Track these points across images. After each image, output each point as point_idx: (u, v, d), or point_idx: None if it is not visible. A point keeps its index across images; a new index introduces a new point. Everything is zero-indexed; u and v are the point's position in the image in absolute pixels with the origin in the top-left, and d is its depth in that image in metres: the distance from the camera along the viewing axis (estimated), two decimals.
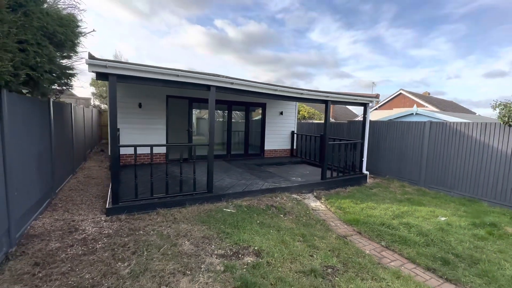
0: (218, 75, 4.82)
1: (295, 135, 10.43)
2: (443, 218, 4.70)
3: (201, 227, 3.89)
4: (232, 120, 9.63)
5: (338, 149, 7.07)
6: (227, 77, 4.90)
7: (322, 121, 13.29)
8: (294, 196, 5.84)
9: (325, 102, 6.47)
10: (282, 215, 4.63)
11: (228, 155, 9.22)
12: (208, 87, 4.87)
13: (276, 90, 5.47)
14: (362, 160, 7.43)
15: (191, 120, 8.41)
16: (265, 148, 9.91)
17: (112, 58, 9.16)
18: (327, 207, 5.35)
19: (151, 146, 4.64)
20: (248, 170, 7.45)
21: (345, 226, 4.45)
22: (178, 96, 8.02)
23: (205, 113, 9.45)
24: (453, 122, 6.35)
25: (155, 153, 7.86)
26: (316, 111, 17.31)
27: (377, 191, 6.58)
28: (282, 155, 10.34)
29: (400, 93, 21.16)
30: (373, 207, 5.21)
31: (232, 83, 4.96)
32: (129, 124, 7.36)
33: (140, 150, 7.34)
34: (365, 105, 7.30)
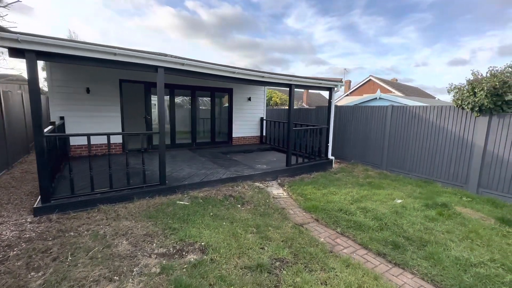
0: (166, 55, 4.32)
1: (264, 122, 10.18)
2: (399, 201, 4.77)
3: (146, 223, 3.53)
4: (197, 107, 9.10)
5: (303, 134, 6.93)
6: (177, 57, 4.41)
7: (294, 107, 13.32)
8: (257, 184, 5.63)
9: (289, 86, 6.21)
10: (239, 205, 4.40)
11: (193, 144, 8.76)
12: (155, 68, 4.36)
13: (234, 72, 5.09)
14: (328, 146, 7.40)
15: (149, 106, 7.77)
16: (233, 136, 9.57)
17: None
18: (289, 194, 5.21)
19: (88, 136, 4.11)
20: (212, 158, 7.10)
21: (304, 213, 4.33)
22: (133, 80, 7.32)
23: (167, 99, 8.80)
24: (413, 106, 6.44)
25: (110, 143, 7.18)
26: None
27: (341, 176, 6.59)
28: (251, 142, 10.09)
29: (370, 80, 21.67)
30: (334, 193, 5.16)
31: (183, 64, 4.49)
32: (76, 112, 6.60)
33: (93, 140, 6.64)
34: (330, 90, 7.17)
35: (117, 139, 7.29)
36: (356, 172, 7.02)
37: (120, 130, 7.28)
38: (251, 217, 3.94)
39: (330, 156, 7.47)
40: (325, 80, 6.69)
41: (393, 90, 19.96)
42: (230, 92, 9.33)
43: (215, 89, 8.95)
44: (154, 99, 8.23)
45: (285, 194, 5.26)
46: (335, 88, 7.15)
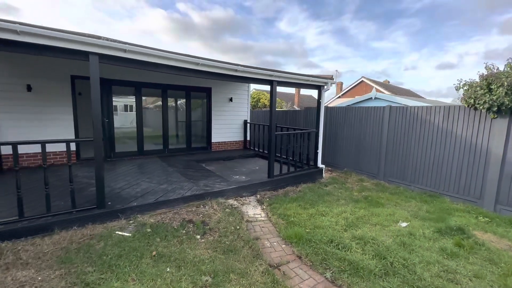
0: (100, 37, 3.26)
1: (248, 125, 9.17)
2: (404, 224, 3.81)
3: (52, 273, 2.44)
4: (170, 108, 8.02)
5: (288, 140, 5.94)
6: (116, 41, 3.36)
7: (283, 109, 12.27)
8: (230, 202, 4.59)
9: (270, 82, 5.22)
10: (199, 236, 3.34)
11: (165, 151, 7.66)
12: (85, 54, 3.29)
13: (197, 64, 4.06)
14: (317, 152, 6.43)
15: (110, 108, 6.65)
16: (212, 141, 8.51)
17: None
18: (267, 216, 4.18)
19: (14, 144, 3.02)
20: (182, 168, 6.01)
21: (284, 245, 3.30)
22: (87, 76, 6.17)
23: (128, 99, 7.68)
24: (414, 107, 5.54)
25: (59, 151, 6.03)
26: (278, 99, 16.25)
27: (332, 188, 5.62)
28: (233, 147, 9.04)
29: (362, 81, 21.01)
30: (323, 213, 4.16)
31: (125, 50, 3.44)
32: (12, 114, 5.42)
33: (33, 149, 5.48)
34: (319, 88, 6.23)
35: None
36: (350, 183, 6.06)
37: (73, 136, 6.13)
38: (210, 256, 2.89)
39: (319, 165, 6.50)
40: (313, 77, 5.73)
41: (386, 92, 19.30)
42: (208, 91, 8.29)
43: (190, 88, 7.89)
44: (117, 100, 7.12)
45: (263, 215, 4.22)
46: (325, 87, 6.21)
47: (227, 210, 4.19)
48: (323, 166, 6.56)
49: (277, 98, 17.22)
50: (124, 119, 7.40)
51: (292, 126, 8.72)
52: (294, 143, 6.05)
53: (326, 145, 7.54)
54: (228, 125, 8.81)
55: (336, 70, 36.52)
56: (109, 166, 6.00)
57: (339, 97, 22.68)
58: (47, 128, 5.80)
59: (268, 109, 14.33)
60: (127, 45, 3.39)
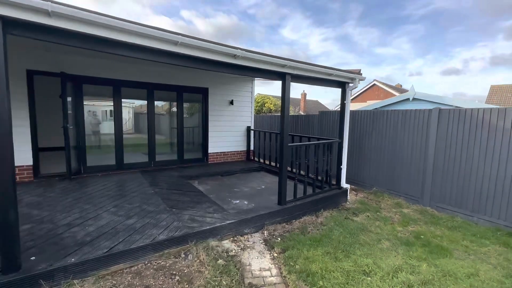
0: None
1: (252, 132, 7.80)
2: None
3: None
4: (160, 112, 6.72)
5: (305, 152, 4.53)
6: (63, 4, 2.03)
7: (292, 114, 10.77)
8: (226, 245, 3.18)
9: (282, 76, 3.85)
10: None
11: (151, 163, 6.29)
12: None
13: (176, 43, 2.69)
14: (341, 168, 5.00)
15: (80, 111, 5.33)
16: (209, 151, 7.14)
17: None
18: (280, 273, 2.74)
19: None
20: (166, 189, 4.63)
21: None
22: (50, 72, 4.90)
23: (105, 101, 6.36)
24: (478, 109, 4.10)
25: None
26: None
27: (365, 219, 4.17)
28: (234, 159, 7.65)
29: (374, 84, 19.60)
30: (367, 270, 2.72)
31: (49, 14, 2.09)
32: None
33: None
34: (343, 86, 4.84)
35: (23, 160, 4.80)
36: (386, 210, 4.60)
37: (29, 145, 4.82)
38: None
39: (343, 184, 5.05)
40: (337, 70, 4.35)
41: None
42: (204, 92, 6.96)
43: (183, 88, 6.57)
44: (90, 103, 5.81)
45: (274, 272, 2.79)
46: (350, 84, 4.83)
47: (219, 262, 2.78)
48: (348, 186, 5.12)
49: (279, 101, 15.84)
50: (98, 126, 6.08)
51: (305, 134, 7.33)
52: (312, 157, 4.64)
53: (348, 157, 6.10)
54: (228, 132, 7.45)
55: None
56: (72, 185, 4.64)
57: None
58: None
59: (275, 114, 12.90)
60: (53, 4, 2.05)
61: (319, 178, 4.78)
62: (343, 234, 3.55)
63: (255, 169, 6.90)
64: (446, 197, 4.48)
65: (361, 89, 20.41)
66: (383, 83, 19.30)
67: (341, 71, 4.37)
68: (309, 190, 4.54)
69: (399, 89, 20.53)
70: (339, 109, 5.17)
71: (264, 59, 3.40)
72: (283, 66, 3.67)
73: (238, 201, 4.46)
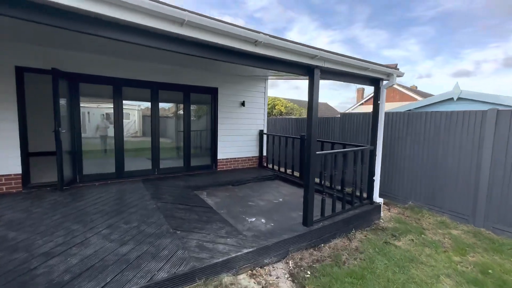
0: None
1: (265, 137, 7.13)
2: None
3: None
4: (165, 115, 6.14)
5: (333, 162, 3.81)
6: None
7: (304, 116, 9.93)
8: (243, 282, 2.50)
9: (309, 70, 3.18)
10: None
11: (154, 171, 5.68)
12: None
13: (182, 23, 2.05)
14: (373, 180, 4.26)
15: (76, 113, 4.76)
16: (218, 157, 6.49)
17: None
18: None
19: None
20: (171, 203, 3.99)
21: None
22: (42, 69, 4.35)
23: (100, 102, 5.78)
24: None
25: (0, 174, 4.16)
26: (295, 105, 14.20)
27: (410, 244, 3.42)
28: (245, 166, 6.99)
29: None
30: None
31: None
32: None
33: None
34: (377, 83, 4.13)
35: (10, 168, 4.25)
36: (431, 232, 3.83)
37: (17, 151, 4.26)
38: None
39: (376, 199, 4.31)
40: (374, 64, 3.63)
41: (419, 98, 16.88)
42: (213, 93, 6.34)
43: (190, 88, 5.96)
44: (88, 105, 5.25)
45: None
46: (386, 81, 4.12)
47: None
48: (381, 200, 4.37)
49: (294, 105, 15.11)
50: (97, 129, 5.52)
51: (324, 139, 6.61)
52: (339, 166, 3.94)
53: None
54: (239, 136, 6.80)
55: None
56: (64, 198, 4.05)
57: (361, 104, 20.40)
58: None
59: (287, 116, 12.18)
60: None
61: (348, 191, 4.05)
62: (389, 267, 2.82)
63: (269, 178, 6.21)
64: (507, 216, 3.68)
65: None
66: (399, 85, 18.36)
67: (378, 65, 3.66)
68: (338, 207, 3.82)
69: (417, 91, 19.53)
70: (361, 111, 4.44)
71: (292, 48, 2.72)
72: (312, 57, 2.99)
73: (254, 219, 3.78)
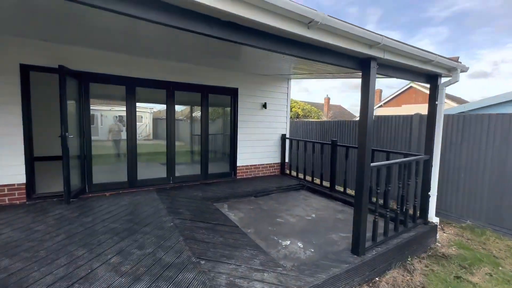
0: None
1: (288, 142, 6.52)
2: None
3: None
4: (181, 117, 5.65)
5: (387, 174, 3.15)
6: None
7: (324, 119, 9.25)
8: None
9: (364, 61, 2.56)
10: None
11: (169, 179, 5.17)
12: None
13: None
14: (429, 196, 3.57)
15: (86, 115, 4.31)
16: (237, 164, 5.94)
17: None
18: None
19: None
20: (189, 220, 3.44)
21: None
22: (49, 67, 3.91)
23: (112, 104, 5.34)
24: None
25: (3, 184, 3.74)
26: (313, 107, 13.52)
27: (487, 279, 2.72)
28: (266, 173, 6.40)
29: (411, 87, 17.71)
30: None
31: None
32: None
33: None
34: (434, 80, 3.46)
35: (13, 177, 3.82)
36: (507, 262, 3.10)
37: (21, 158, 3.83)
38: None
39: (432, 218, 3.62)
40: (438, 56, 2.96)
41: (452, 103, 15.82)
42: (233, 93, 5.80)
43: (208, 88, 5.45)
44: (98, 107, 4.82)
45: None
46: (446, 79, 3.45)
47: None
48: (437, 219, 3.67)
49: (311, 107, 14.40)
50: (109, 133, 5.08)
51: (352, 144, 5.94)
52: (390, 179, 3.28)
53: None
54: (260, 141, 6.22)
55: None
56: (70, 212, 3.58)
57: (380, 106, 19.47)
58: None
59: (309, 119, 11.49)
60: None
61: (394, 207, 3.38)
62: None
63: (294, 188, 5.59)
64: None
65: (395, 92, 18.59)
66: (423, 86, 17.37)
67: (442, 57, 3.00)
68: (392, 231, 3.17)
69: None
70: (399, 114, 3.78)
71: (351, 32, 2.12)
72: (372, 45, 2.38)
73: (288, 242, 3.17)
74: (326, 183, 5.53)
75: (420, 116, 4.81)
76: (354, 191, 5.27)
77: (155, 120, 7.84)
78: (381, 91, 22.70)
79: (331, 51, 2.36)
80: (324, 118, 18.09)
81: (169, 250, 2.66)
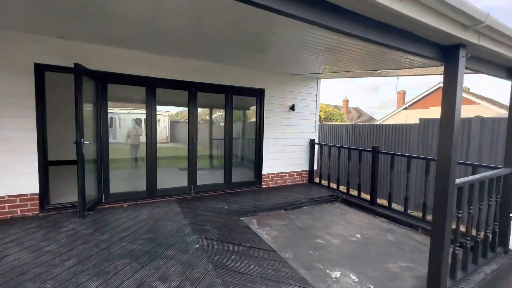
0: None
1: (317, 147, 5.94)
2: None
3: None
4: (211, 122, 5.24)
5: (469, 193, 2.50)
6: None
7: (348, 123, 8.55)
8: None
9: (449, 49, 1.98)
10: None
11: (191, 189, 4.73)
12: None
13: None
14: (510, 218, 2.88)
15: (102, 119, 3.95)
16: (263, 172, 5.42)
17: None
18: None
19: None
20: (218, 241, 2.95)
21: None
22: (65, 67, 3.58)
23: (130, 106, 4.98)
24: None
25: (15, 194, 3.43)
26: (335, 110, 12.81)
27: None
28: (293, 181, 5.84)
29: (440, 87, 16.55)
30: None
31: None
32: None
33: None
34: None
35: (26, 186, 3.50)
36: None
37: (34, 166, 3.51)
38: None
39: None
40: None
41: (477, 101, 14.60)
42: (259, 95, 5.31)
43: (233, 89, 4.99)
44: (113, 110, 4.47)
45: None
46: None
47: None
48: None
49: (334, 110, 13.67)
50: (127, 138, 4.72)
51: (391, 151, 5.28)
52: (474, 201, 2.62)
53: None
54: (287, 146, 5.69)
55: (397, 76, 32.36)
56: (85, 227, 3.19)
57: (405, 108, 18.37)
58: None
59: (325, 122, 10.78)
60: None
61: (474, 235, 2.73)
62: None
63: (327, 199, 4.99)
64: None
65: (423, 93, 17.47)
66: None
67: None
68: (472, 264, 2.52)
69: (472, 93, 17.13)
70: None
71: (450, 3, 1.56)
72: (467, 26, 1.79)
73: (338, 274, 2.60)
74: (364, 195, 4.91)
75: (482, 119, 4.09)
76: (401, 206, 4.63)
77: (172, 123, 7.52)
78: (404, 92, 21.54)
79: (406, 35, 1.80)
80: (348, 121, 17.23)
81: (198, 284, 2.18)
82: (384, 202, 4.50)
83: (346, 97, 24.06)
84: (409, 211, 4.07)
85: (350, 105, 27.43)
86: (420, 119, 4.99)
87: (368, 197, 4.66)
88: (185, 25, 2.92)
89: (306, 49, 3.59)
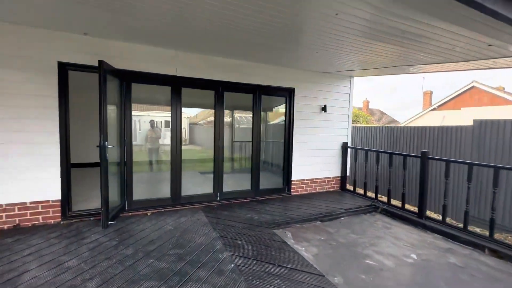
0: None
1: (350, 151, 5.45)
2: None
3: None
4: (233, 124, 4.91)
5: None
6: None
7: (375, 125, 7.93)
8: None
9: None
10: None
11: (217, 196, 4.40)
12: None
13: None
14: None
15: (127, 121, 3.70)
16: (292, 178, 5.00)
17: None
18: None
19: None
20: (255, 259, 2.56)
21: None
22: (88, 65, 3.36)
23: (154, 107, 4.72)
24: None
25: (37, 201, 3.23)
26: (361, 111, 12.15)
27: None
28: (324, 188, 5.38)
29: (473, 87, 15.40)
30: None
31: None
32: None
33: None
34: None
35: (48, 193, 3.30)
36: None
37: (57, 171, 3.30)
38: None
39: None
40: None
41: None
42: (289, 94, 4.92)
43: (261, 88, 4.62)
44: (137, 112, 4.22)
45: None
46: None
47: None
48: None
49: (359, 111, 12.99)
50: (156, 142, 4.47)
51: (438, 156, 4.70)
52: None
53: None
54: (318, 150, 5.24)
55: (423, 77, 30.71)
56: (107, 239, 2.92)
57: (433, 109, 17.27)
58: (7, 160, 3.07)
59: (359, 125, 10.18)
60: None
61: None
62: None
63: (365, 209, 4.49)
64: None
65: (453, 94, 16.34)
66: (486, 85, 15.00)
67: None
68: None
69: (507, 92, 15.81)
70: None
71: None
72: None
73: None
74: (408, 206, 4.36)
75: None
76: (451, 220, 4.04)
77: (191, 126, 7.29)
78: (431, 92, 20.31)
79: None
80: (375, 123, 16.41)
81: None
82: (435, 215, 3.94)
83: (366, 98, 23.07)
84: (469, 227, 3.50)
85: (370, 106, 26.35)
86: (475, 120, 4.38)
87: (413, 208, 4.12)
88: (214, 20, 2.57)
89: (370, 37, 2.99)
